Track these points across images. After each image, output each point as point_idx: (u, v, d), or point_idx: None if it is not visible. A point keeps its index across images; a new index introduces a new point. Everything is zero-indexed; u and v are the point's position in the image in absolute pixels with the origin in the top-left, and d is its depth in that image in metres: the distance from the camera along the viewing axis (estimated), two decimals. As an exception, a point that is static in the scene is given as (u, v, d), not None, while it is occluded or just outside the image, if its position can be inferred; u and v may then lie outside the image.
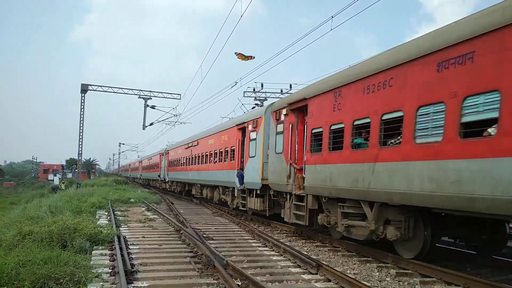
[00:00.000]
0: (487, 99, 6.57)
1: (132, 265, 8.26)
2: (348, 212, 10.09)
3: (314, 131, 11.54)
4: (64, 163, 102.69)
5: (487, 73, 6.61)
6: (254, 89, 30.09)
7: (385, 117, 8.67)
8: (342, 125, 10.15)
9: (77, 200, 20.88)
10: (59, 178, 71.76)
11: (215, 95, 31.90)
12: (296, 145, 12.70)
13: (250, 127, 16.79)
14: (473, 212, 6.90)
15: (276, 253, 10.29)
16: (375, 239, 9.47)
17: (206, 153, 24.50)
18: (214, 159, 22.68)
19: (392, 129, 8.58)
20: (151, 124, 41.91)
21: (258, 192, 15.73)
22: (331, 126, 10.64)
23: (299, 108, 12.61)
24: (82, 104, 38.16)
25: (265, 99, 30.51)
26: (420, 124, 7.77)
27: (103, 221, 15.14)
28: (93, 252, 9.55)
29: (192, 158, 28.31)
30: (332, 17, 14.32)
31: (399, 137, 8.39)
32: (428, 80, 7.65)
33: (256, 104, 29.80)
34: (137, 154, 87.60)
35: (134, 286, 7.05)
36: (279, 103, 14.33)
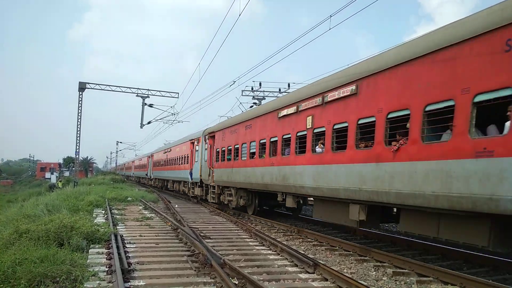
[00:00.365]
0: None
1: (129, 264, 8.26)
2: (228, 193, 19.13)
3: (217, 149, 20.77)
4: (61, 161, 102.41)
5: None
6: (252, 88, 30.09)
7: (237, 146, 17.96)
8: (224, 148, 19.62)
9: (74, 198, 20.85)
10: (57, 177, 71.55)
11: (213, 94, 31.90)
12: (213, 157, 21.53)
13: (195, 142, 25.84)
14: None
15: (273, 252, 10.29)
16: (236, 205, 18.31)
17: (174, 157, 33.27)
18: (178, 162, 31.63)
19: (240, 151, 17.53)
20: (149, 122, 41.85)
21: (199, 184, 24.60)
22: (222, 148, 19.94)
23: (212, 136, 21.82)
24: (80, 102, 38.09)
25: (263, 98, 30.53)
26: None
27: (100, 219, 15.12)
28: (90, 250, 9.55)
29: (167, 160, 37.28)
30: (331, 16, 14.36)
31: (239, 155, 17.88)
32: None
33: (254, 103, 29.81)
34: (135, 153, 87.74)
35: (131, 285, 7.05)
36: (206, 131, 23.31)
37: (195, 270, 8.11)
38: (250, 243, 11.58)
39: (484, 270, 8.74)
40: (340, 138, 10.20)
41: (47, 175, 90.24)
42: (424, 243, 11.12)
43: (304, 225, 15.07)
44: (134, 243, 10.90)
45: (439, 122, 7.46)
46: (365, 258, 9.80)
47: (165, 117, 41.33)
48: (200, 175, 23.72)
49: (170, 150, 36.00)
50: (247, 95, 30.65)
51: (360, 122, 9.43)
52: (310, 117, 11.55)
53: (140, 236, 12.03)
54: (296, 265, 8.87)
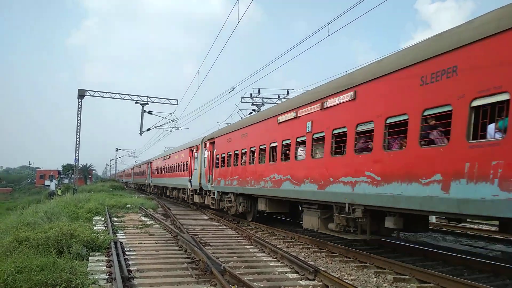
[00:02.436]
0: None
1: (129, 271, 8.23)
2: (228, 200, 19.29)
3: (216, 156, 20.96)
4: (60, 168, 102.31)
5: None
6: (251, 95, 30.20)
7: (236, 152, 18.21)
8: (223, 155, 19.92)
9: (74, 206, 20.81)
10: (56, 184, 71.43)
11: (212, 100, 32.00)
12: (212, 163, 21.55)
13: (194, 150, 26.10)
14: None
15: (273, 259, 10.27)
16: (236, 212, 18.49)
17: (173, 165, 33.37)
18: (177, 169, 31.77)
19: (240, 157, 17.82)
20: (148, 129, 41.93)
21: (198, 191, 24.87)
22: (222, 154, 20.09)
23: (212, 142, 21.98)
24: (79, 109, 38.16)
25: (262, 104, 30.64)
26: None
27: (99, 227, 15.08)
28: (89, 258, 9.52)
29: (166, 168, 37.26)
30: (329, 23, 14.43)
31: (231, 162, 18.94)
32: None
33: (254, 110, 29.90)
34: (134, 160, 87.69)
35: (131, 293, 7.03)
36: (206, 138, 23.39)
37: (195, 277, 8.09)
38: (250, 250, 11.55)
39: (485, 275, 8.74)
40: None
41: (47, 182, 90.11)
42: (425, 249, 11.13)
43: (304, 232, 15.04)
44: (134, 250, 10.87)
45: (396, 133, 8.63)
46: (366, 264, 9.79)
47: (164, 124, 41.42)
48: (200, 182, 23.93)
49: (169, 157, 36.38)
50: (246, 102, 30.77)
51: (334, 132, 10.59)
52: (310, 122, 11.59)
53: (140, 243, 12.00)
54: (296, 272, 8.84)
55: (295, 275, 8.64)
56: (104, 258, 9.60)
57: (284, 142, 13.26)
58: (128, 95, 39.20)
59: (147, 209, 23.15)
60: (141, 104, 39.10)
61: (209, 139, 22.42)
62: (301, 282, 8.11)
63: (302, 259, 9.86)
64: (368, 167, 8.94)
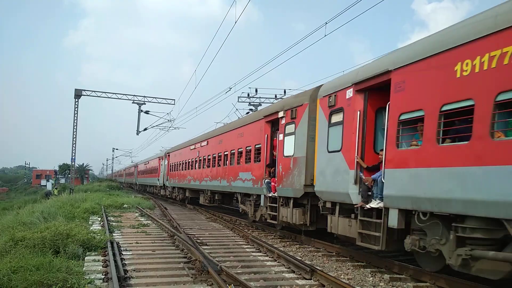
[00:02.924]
0: None
1: (125, 271, 8.23)
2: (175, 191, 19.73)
3: (171, 164, 17.50)
4: (57, 168, 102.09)
5: None
6: (248, 95, 30.18)
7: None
8: (173, 164, 21.60)
9: (70, 205, 20.75)
10: (52, 184, 71.33)
11: (210, 100, 32.00)
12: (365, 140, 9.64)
13: (284, 119, 13.17)
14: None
15: (270, 259, 10.28)
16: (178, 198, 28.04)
17: (216, 155, 21.50)
18: (152, 172, 30.90)
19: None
20: (145, 129, 41.84)
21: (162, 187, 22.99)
22: (173, 163, 18.59)
23: (168, 155, 16.94)
24: (76, 109, 38.04)
25: (259, 104, 30.61)
26: None
27: (96, 227, 15.06)
28: (86, 258, 9.50)
29: (200, 161, 24.83)
30: (326, 23, 14.38)
31: None
32: None
33: (251, 109, 29.88)
34: (131, 159, 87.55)
35: (127, 292, 7.02)
36: (334, 84, 10.72)
37: (192, 277, 8.08)
38: (247, 250, 11.56)
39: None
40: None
41: (43, 182, 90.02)
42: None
43: (300, 231, 15.04)
44: (131, 250, 10.86)
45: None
46: (362, 264, 9.81)
47: (161, 123, 41.37)
48: (307, 183, 13.24)
49: (148, 162, 45.40)
50: (244, 102, 30.75)
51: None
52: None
53: (137, 243, 11.98)
54: (293, 272, 8.85)
55: (291, 275, 8.64)
56: (101, 258, 9.59)
57: (192, 160, 26.48)
58: (125, 95, 39.12)
59: (143, 208, 23.14)
60: (138, 104, 39.00)
61: (167, 153, 33.87)
62: (297, 281, 8.12)
63: (299, 258, 9.87)
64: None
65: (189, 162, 27.90)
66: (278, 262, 9.84)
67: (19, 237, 9.88)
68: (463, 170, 6.56)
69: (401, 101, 8.00)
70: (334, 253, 11.06)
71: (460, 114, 6.79)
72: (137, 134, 40.88)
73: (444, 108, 6.96)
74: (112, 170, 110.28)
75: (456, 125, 6.96)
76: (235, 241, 13.01)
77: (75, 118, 38.03)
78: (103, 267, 8.70)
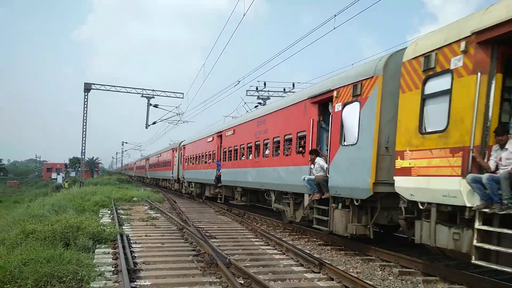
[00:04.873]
0: None
1: (135, 264, 8.28)
2: (190, 186, 22.89)
3: (185, 157, 16.35)
4: (67, 161, 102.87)
5: None
6: (257, 88, 30.13)
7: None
8: (189, 156, 21.64)
9: (80, 199, 20.91)
10: (63, 177, 71.86)
11: (218, 94, 31.89)
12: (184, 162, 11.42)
13: (341, 98, 10.52)
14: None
15: (278, 252, 10.28)
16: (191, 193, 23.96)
17: (163, 161, 25.45)
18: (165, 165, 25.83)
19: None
20: (154, 123, 42.02)
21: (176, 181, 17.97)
22: (188, 156, 16.71)
23: (184, 147, 16.18)
24: (86, 103, 38.27)
25: (268, 97, 30.56)
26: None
27: (106, 219, 15.17)
28: (96, 250, 9.58)
29: (158, 163, 30.28)
30: (335, 15, 14.25)
31: None
32: None
33: (259, 103, 29.83)
34: (140, 153, 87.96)
35: (137, 285, 7.06)
36: (435, 39, 7.64)
37: (200, 270, 8.11)
38: (256, 243, 11.57)
39: (491, 269, 8.68)
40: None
41: (54, 175, 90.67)
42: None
43: (310, 225, 15.02)
44: (140, 243, 10.92)
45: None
46: (371, 257, 9.77)
47: (170, 117, 41.47)
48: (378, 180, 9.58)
49: (160, 155, 36.29)
50: (252, 95, 30.71)
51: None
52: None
53: (146, 236, 12.05)
54: (301, 265, 8.85)
55: (300, 268, 8.64)
56: (110, 250, 9.66)
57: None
58: (134, 88, 39.27)
59: (153, 202, 23.24)
60: (147, 97, 39.14)
61: (182, 145, 29.65)
62: (306, 275, 8.11)
63: (308, 252, 9.86)
64: None
65: (208, 154, 24.68)
66: (287, 255, 9.84)
67: (30, 229, 9.97)
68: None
69: None
70: (343, 247, 11.03)
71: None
72: (146, 127, 41.13)
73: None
74: (121, 163, 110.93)
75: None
76: (244, 235, 13.03)
77: (85, 111, 38.29)
78: (113, 259, 8.76)
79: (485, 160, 6.60)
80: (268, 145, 15.42)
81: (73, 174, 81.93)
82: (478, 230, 6.51)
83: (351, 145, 9.98)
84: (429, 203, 7.47)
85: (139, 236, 11.90)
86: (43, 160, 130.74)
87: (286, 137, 13.77)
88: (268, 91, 30.45)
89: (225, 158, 20.82)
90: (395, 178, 8.32)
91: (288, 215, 13.79)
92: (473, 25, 6.74)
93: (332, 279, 7.75)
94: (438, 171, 7.18)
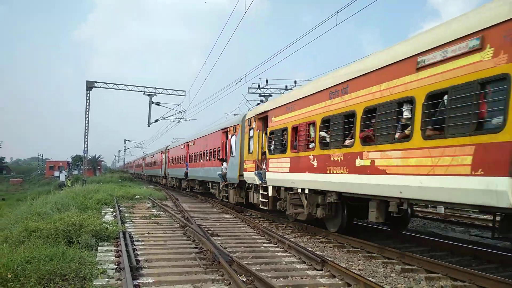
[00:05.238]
0: None
1: (138, 261, 8.29)
2: (297, 204, 12.86)
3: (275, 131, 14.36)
4: (70, 159, 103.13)
5: None
6: (258, 85, 30.11)
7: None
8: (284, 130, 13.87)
9: (83, 196, 20.98)
10: (65, 175, 72.09)
11: (220, 91, 31.92)
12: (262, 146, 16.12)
13: (230, 132, 20.13)
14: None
15: (281, 249, 10.29)
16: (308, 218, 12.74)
17: (196, 153, 28.91)
18: (205, 158, 26.35)
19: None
20: (156, 120, 42.05)
21: (234, 185, 19.45)
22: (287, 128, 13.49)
23: (264, 117, 15.77)
24: (88, 101, 38.31)
25: (270, 95, 30.52)
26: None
27: (108, 217, 15.21)
28: (98, 248, 9.60)
29: (186, 157, 32.57)
30: (337, 12, 14.26)
31: None
32: None
33: (261, 101, 29.81)
34: (142, 151, 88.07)
35: (139, 282, 7.08)
36: (249, 114, 17.64)
37: (203, 267, 8.12)
38: (258, 240, 11.58)
39: (493, 266, 8.69)
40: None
41: (56, 173, 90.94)
42: (433, 239, 11.09)
43: (311, 222, 15.03)
44: (143, 240, 10.94)
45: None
46: (374, 255, 9.77)
47: (172, 115, 41.48)
48: (241, 174, 18.07)
49: (194, 143, 29.96)
50: (254, 92, 30.67)
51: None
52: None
53: (148, 233, 12.07)
54: (304, 262, 8.86)
55: (302, 265, 8.65)
56: (113, 248, 9.68)
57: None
58: (136, 86, 39.32)
59: (155, 199, 23.28)
60: (148, 95, 39.18)
61: (261, 112, 16.30)
62: (308, 272, 8.11)
63: (310, 249, 9.87)
64: None
65: (181, 157, 34.17)
66: (289, 252, 9.85)
67: (33, 227, 9.98)
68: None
69: None
70: (345, 244, 11.03)
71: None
72: (148, 125, 41.16)
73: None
74: (124, 161, 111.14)
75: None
76: (246, 232, 13.04)
77: (87, 110, 38.34)
78: (115, 257, 8.78)
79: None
80: (207, 154, 25.55)
81: (75, 172, 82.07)
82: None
83: (232, 156, 19.30)
84: (248, 182, 17.32)
85: (142, 234, 11.92)
86: (45, 158, 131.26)
87: (213, 150, 23.94)
88: (270, 88, 30.44)
89: (190, 160, 30.63)
90: (244, 173, 17.52)
91: (217, 195, 23.42)
92: (255, 112, 16.68)
93: (335, 276, 7.76)
94: (249, 169, 16.81)
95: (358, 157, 9.46)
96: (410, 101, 7.98)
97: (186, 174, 31.15)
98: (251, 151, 16.91)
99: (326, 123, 11.01)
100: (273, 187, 14.40)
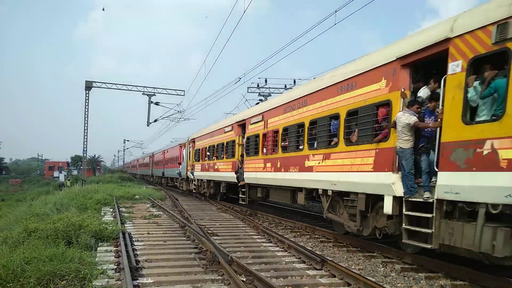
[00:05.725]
0: None
1: (137, 262, 8.29)
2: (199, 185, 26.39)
3: (196, 149, 27.35)
4: (69, 160, 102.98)
5: None
6: (258, 85, 30.11)
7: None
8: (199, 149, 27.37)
9: (82, 197, 20.94)
10: (65, 175, 71.93)
11: (219, 91, 31.98)
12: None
13: (184, 145, 31.75)
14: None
15: (280, 249, 10.29)
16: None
17: (165, 158, 41.27)
18: (172, 162, 36.91)
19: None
20: (155, 120, 42.04)
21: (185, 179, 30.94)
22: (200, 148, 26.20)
23: (193, 141, 28.16)
24: (87, 101, 38.27)
25: (269, 94, 30.52)
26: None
27: (108, 217, 15.19)
28: (98, 248, 9.59)
29: (164, 160, 42.09)
30: (336, 11, 14.28)
31: None
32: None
33: (260, 100, 29.80)
34: (142, 151, 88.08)
35: (139, 282, 7.08)
36: (190, 138, 29.45)
37: (202, 267, 8.12)
38: (258, 240, 11.58)
39: (493, 265, 8.67)
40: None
41: (56, 174, 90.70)
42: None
43: (311, 222, 15.05)
44: (142, 240, 10.93)
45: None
46: (373, 254, 9.77)
47: (171, 115, 41.48)
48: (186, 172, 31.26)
49: (167, 151, 41.10)
50: (253, 92, 30.67)
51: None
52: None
53: (148, 234, 12.07)
54: (303, 262, 8.86)
55: (302, 265, 8.65)
56: (113, 248, 9.67)
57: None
58: (135, 86, 39.29)
59: (155, 199, 23.27)
60: (148, 95, 39.16)
61: (192, 138, 29.41)
62: (308, 271, 8.12)
63: (309, 249, 9.87)
64: None
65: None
66: (289, 252, 9.85)
67: (32, 228, 9.98)
68: None
69: None
70: (344, 244, 11.04)
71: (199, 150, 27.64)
72: (148, 125, 41.17)
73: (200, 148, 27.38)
74: (123, 161, 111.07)
75: None
76: (246, 232, 13.03)
77: (86, 110, 38.28)
78: (115, 257, 8.78)
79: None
80: (168, 160, 38.27)
81: (75, 172, 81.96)
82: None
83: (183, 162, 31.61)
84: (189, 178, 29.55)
85: (141, 234, 11.92)
86: (45, 159, 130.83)
87: (174, 156, 35.11)
88: (269, 87, 30.45)
89: (166, 163, 41.06)
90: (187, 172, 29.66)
91: (178, 186, 34.37)
92: (191, 137, 30.17)
93: (334, 276, 7.76)
94: (189, 169, 29.75)
95: (306, 159, 12.12)
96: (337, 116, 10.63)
97: (163, 173, 43.74)
98: (190, 159, 29.00)
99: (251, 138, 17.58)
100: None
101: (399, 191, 8.13)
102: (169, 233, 12.35)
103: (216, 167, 22.81)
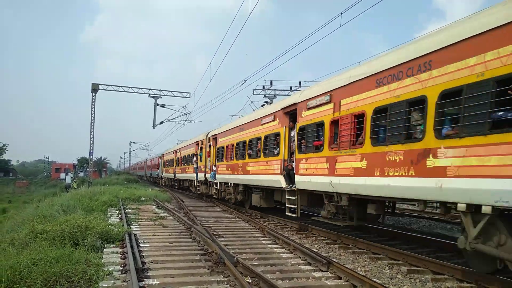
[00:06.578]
0: None
1: (143, 263, 8.31)
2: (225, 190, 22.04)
3: (219, 147, 23.18)
4: (75, 162, 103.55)
5: None
6: (263, 87, 30.13)
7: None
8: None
9: (89, 198, 21.01)
10: (71, 177, 72.30)
11: (225, 93, 32.09)
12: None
13: (198, 147, 28.66)
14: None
15: (286, 251, 10.27)
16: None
17: (177, 158, 37.67)
18: (186, 162, 33.08)
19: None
20: (161, 122, 42.22)
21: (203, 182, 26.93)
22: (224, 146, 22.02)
23: (214, 137, 24.29)
24: (93, 103, 38.47)
25: (274, 96, 30.53)
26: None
27: (114, 219, 15.24)
28: (104, 250, 9.62)
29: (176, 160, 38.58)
30: (342, 13, 14.28)
31: None
32: None
33: (266, 102, 29.82)
34: (148, 153, 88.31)
35: (145, 284, 7.09)
36: (210, 133, 25.74)
37: (208, 269, 8.12)
38: (263, 242, 11.57)
39: (500, 268, 8.61)
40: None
41: (62, 175, 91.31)
42: (439, 240, 11.02)
43: (317, 223, 15.00)
44: (148, 242, 10.96)
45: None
46: (379, 256, 9.73)
47: (177, 117, 41.61)
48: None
49: (179, 150, 37.26)
50: (259, 94, 30.71)
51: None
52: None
53: (154, 235, 12.09)
54: (309, 264, 8.84)
55: (308, 267, 8.63)
56: (119, 250, 9.70)
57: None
58: (141, 88, 39.46)
59: (160, 201, 23.31)
60: (154, 97, 39.33)
61: (212, 135, 25.22)
62: (314, 273, 8.10)
63: (315, 251, 9.84)
64: None
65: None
66: (294, 254, 9.83)
67: (39, 229, 10.04)
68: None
69: None
70: (350, 245, 11.00)
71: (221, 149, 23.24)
72: (154, 127, 41.32)
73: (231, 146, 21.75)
74: (129, 163, 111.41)
75: None
76: (251, 233, 13.03)
77: (93, 112, 38.49)
78: (121, 259, 8.80)
79: None
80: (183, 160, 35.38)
81: (81, 174, 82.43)
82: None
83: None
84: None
85: (147, 236, 11.95)
86: (51, 161, 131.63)
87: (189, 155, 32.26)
88: (275, 89, 30.45)
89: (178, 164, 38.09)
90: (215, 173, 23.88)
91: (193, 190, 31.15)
92: (210, 134, 25.98)
93: (340, 278, 7.73)
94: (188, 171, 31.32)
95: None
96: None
97: (174, 175, 39.91)
98: (209, 159, 25.68)
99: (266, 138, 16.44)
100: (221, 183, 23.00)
101: None
102: (175, 235, 12.37)
103: (247, 168, 17.91)
